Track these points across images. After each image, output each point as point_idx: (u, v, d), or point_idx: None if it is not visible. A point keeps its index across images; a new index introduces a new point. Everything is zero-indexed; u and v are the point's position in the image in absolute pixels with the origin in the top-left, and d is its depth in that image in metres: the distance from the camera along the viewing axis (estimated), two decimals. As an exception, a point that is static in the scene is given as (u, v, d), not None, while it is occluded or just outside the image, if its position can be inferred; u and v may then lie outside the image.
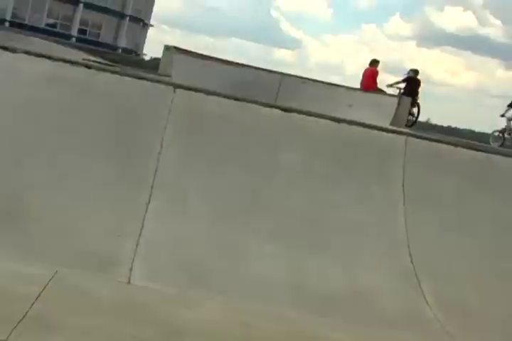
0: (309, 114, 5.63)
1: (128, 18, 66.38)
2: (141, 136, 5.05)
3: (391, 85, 18.65)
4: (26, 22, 58.10)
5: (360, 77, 18.64)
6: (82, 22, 63.28)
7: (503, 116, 18.19)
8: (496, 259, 5.26)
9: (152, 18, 71.99)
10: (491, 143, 17.99)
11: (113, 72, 5.33)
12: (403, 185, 5.36)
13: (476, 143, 13.50)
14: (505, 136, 18.10)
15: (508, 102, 18.36)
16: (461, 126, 21.32)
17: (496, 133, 18.50)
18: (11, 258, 3.93)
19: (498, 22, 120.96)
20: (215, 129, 5.26)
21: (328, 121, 5.58)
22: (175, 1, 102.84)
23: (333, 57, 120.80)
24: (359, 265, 4.91)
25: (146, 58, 58.74)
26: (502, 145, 17.47)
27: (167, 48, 12.56)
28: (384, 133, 5.61)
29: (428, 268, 4.96)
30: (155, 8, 72.33)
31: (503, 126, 18.48)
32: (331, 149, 5.48)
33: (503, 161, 5.85)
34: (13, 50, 4.96)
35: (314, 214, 5.18)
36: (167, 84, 5.37)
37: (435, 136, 11.53)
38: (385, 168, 5.49)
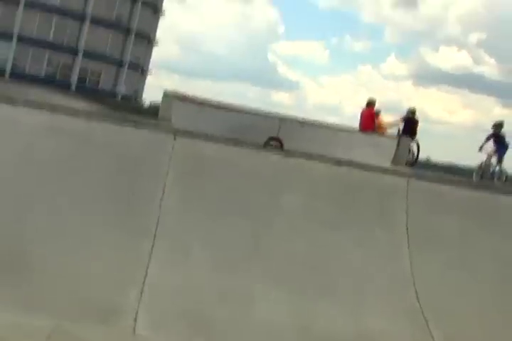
0: (309, 156, 5.65)
1: (127, 65, 67.26)
2: (142, 183, 5.05)
3: (390, 125, 18.82)
4: (26, 72, 58.85)
5: (358, 117, 18.80)
6: (82, 70, 64.16)
7: (480, 149, 18.51)
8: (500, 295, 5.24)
9: (151, 64, 72.93)
10: (474, 177, 18.31)
11: (112, 121, 5.36)
12: (407, 227, 5.35)
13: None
14: (485, 168, 18.55)
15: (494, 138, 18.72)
16: (461, 162, 21.51)
17: (477, 168, 18.96)
18: (12, 309, 3.89)
19: (492, 60, 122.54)
20: (216, 174, 5.28)
21: (328, 163, 5.60)
22: (173, 47, 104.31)
23: (331, 98, 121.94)
24: (365, 307, 4.87)
25: (146, 104, 59.30)
26: (481, 178, 17.81)
27: (166, 95, 12.69)
28: (385, 175, 5.62)
29: (435, 307, 4.92)
30: (153, 55, 73.31)
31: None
32: (331, 192, 5.48)
33: (504, 199, 5.86)
34: (13, 102, 5.01)
35: (317, 257, 5.15)
36: (167, 131, 5.41)
37: (436, 174, 11.56)
38: (388, 209, 5.48)
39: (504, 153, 18.80)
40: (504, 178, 18.40)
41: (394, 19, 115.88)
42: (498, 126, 18.86)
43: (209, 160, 5.31)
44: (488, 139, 18.64)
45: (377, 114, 18.51)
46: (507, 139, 18.72)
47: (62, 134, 5.03)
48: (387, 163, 10.58)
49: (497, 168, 18.66)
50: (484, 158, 18.71)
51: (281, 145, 7.68)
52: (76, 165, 4.98)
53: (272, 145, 7.57)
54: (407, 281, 5.08)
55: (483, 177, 18.09)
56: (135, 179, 5.05)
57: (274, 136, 7.60)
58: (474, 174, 18.82)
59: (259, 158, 5.48)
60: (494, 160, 18.65)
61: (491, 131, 18.73)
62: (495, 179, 18.28)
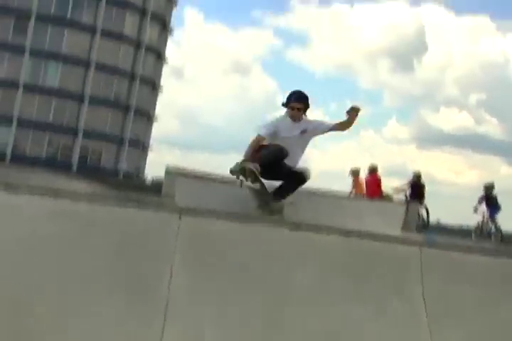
0: (318, 229, 5.61)
1: (127, 143, 68.12)
2: (149, 265, 4.99)
3: (396, 190, 18.88)
4: (27, 155, 59.62)
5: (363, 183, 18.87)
6: (82, 150, 64.99)
7: (475, 211, 19.02)
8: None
9: (151, 139, 73.88)
10: (473, 238, 18.71)
11: (115, 203, 5.35)
12: (423, 298, 5.25)
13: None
14: (482, 229, 19.15)
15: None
16: (471, 223, 21.71)
17: (474, 228, 19.57)
18: None
19: (494, 120, 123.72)
20: (225, 252, 5.22)
21: (338, 235, 5.55)
22: (172, 122, 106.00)
23: (334, 165, 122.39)
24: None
25: (148, 180, 59.65)
26: (479, 238, 18.26)
27: (168, 171, 12.71)
28: (397, 244, 5.56)
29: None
30: (154, 130, 74.38)
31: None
32: (344, 264, 5.41)
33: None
34: (14, 189, 5.01)
35: (333, 332, 5.04)
36: (172, 210, 5.39)
37: (449, 240, 11.45)
38: (402, 280, 5.39)
39: (497, 213, 19.36)
40: (500, 237, 18.85)
41: (392, 84, 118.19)
42: (489, 188, 19.46)
43: (217, 237, 5.26)
44: (480, 201, 19.26)
45: (356, 173, 18.63)
46: (499, 200, 19.36)
47: (64, 218, 5.01)
48: (397, 230, 10.49)
49: (492, 228, 19.22)
50: (480, 219, 19.32)
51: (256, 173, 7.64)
52: (80, 250, 4.93)
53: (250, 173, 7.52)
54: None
55: (481, 237, 18.54)
56: (141, 261, 4.99)
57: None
58: (473, 234, 19.19)
59: (269, 233, 5.44)
60: (489, 220, 19.24)
61: (482, 193, 19.32)
62: (492, 238, 18.77)
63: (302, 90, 8.00)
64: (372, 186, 18.35)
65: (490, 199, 19.49)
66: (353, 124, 8.14)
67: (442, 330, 5.13)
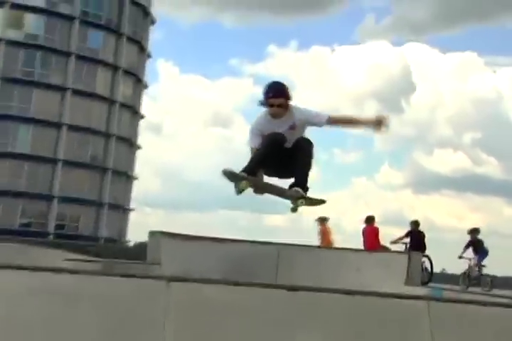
0: (317, 289, 5.57)
1: (107, 206, 67.89)
2: (139, 338, 4.92)
3: (395, 242, 18.96)
4: (-1, 225, 59.06)
5: (360, 233, 18.90)
6: (59, 217, 64.59)
7: (460, 257, 19.52)
8: None
9: (132, 201, 73.73)
10: (460, 284, 19.13)
11: (97, 273, 5.32)
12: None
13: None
14: (470, 275, 19.65)
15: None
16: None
17: (461, 275, 20.11)
18: None
19: (492, 159, 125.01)
20: (219, 319, 5.16)
21: (340, 294, 5.51)
22: (153, 181, 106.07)
23: (329, 215, 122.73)
24: None
25: (131, 244, 59.31)
26: (467, 286, 18.66)
27: (152, 234, 12.66)
28: (403, 300, 5.53)
29: None
30: (134, 191, 74.31)
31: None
32: (348, 325, 5.36)
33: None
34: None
35: None
36: (159, 278, 5.35)
37: (457, 292, 11.39)
38: (412, 338, 5.34)
39: (484, 258, 19.80)
40: (489, 283, 19.21)
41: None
42: (474, 232, 19.82)
43: (209, 304, 5.21)
44: (467, 246, 19.77)
45: (323, 220, 18.60)
46: (486, 245, 19.85)
47: (44, 293, 4.97)
48: (401, 284, 10.44)
49: (479, 274, 19.69)
50: (467, 265, 19.83)
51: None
52: (63, 327, 4.87)
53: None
54: None
55: (470, 284, 18.95)
56: (130, 335, 4.93)
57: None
58: (460, 281, 19.51)
59: (265, 297, 5.39)
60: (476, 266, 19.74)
61: (468, 238, 19.81)
62: (481, 284, 19.21)
63: (278, 80, 7.28)
64: (370, 237, 18.38)
65: (476, 244, 19.91)
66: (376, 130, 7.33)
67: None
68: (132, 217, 72.77)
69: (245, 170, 7.09)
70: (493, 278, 20.51)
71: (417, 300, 5.63)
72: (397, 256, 16.50)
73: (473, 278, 19.97)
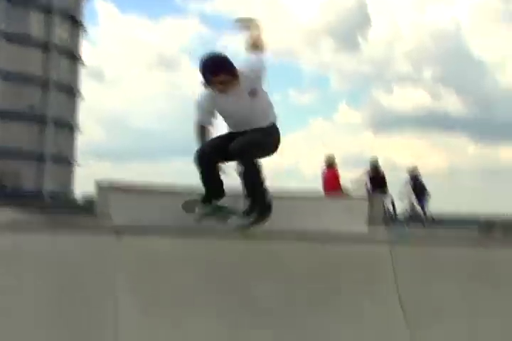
0: (276, 237, 5.65)
1: (49, 160, 67.11)
2: (90, 296, 4.96)
3: (354, 182, 19.09)
4: None
5: (319, 177, 18.94)
6: (-2, 173, 63.49)
7: (401, 198, 19.96)
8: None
9: (77, 153, 72.94)
10: (404, 224, 19.64)
11: (44, 230, 5.31)
12: (399, 299, 5.36)
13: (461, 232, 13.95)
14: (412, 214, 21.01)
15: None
16: (444, 210, 22.34)
17: (404, 215, 20.60)
18: None
19: (453, 95, 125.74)
20: (172, 272, 5.22)
21: (301, 242, 5.60)
22: (98, 131, 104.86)
23: (286, 160, 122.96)
24: None
25: (79, 198, 58.94)
26: (408, 223, 19.13)
27: (99, 187, 12.47)
28: (365, 245, 5.65)
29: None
30: (78, 143, 73.48)
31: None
32: (309, 272, 5.47)
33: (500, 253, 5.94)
34: None
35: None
36: (109, 231, 5.36)
37: (420, 234, 11.63)
38: (375, 282, 5.49)
39: (424, 197, 20.23)
40: (428, 218, 19.78)
41: (337, 65, 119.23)
42: (413, 171, 20.25)
43: (161, 257, 5.26)
44: (406, 185, 20.18)
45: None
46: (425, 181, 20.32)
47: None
48: (363, 227, 10.61)
49: (420, 211, 20.16)
50: (408, 204, 20.30)
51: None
52: (6, 288, 4.86)
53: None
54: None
55: (412, 222, 19.37)
56: (80, 293, 4.96)
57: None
58: (403, 221, 20.00)
59: (220, 246, 5.45)
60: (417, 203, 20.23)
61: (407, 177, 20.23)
62: (423, 222, 19.63)
63: (212, 54, 6.49)
64: (330, 180, 18.46)
65: (416, 184, 20.43)
66: (258, 40, 6.81)
67: (422, 330, 5.26)
68: (78, 169, 72.20)
69: (204, 200, 6.81)
70: (434, 217, 20.94)
71: (380, 244, 5.77)
72: (358, 200, 16.76)
73: (415, 217, 20.55)
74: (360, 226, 9.73)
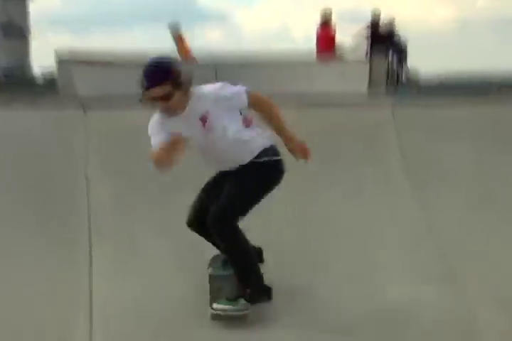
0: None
1: (0, 31, 65.84)
2: (59, 174, 5.06)
3: (355, 38, 18.82)
4: None
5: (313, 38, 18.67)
6: None
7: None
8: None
9: (33, 25, 71.45)
10: (384, 88, 19.40)
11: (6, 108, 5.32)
12: (404, 163, 5.48)
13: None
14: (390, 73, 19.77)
15: None
16: (452, 67, 21.83)
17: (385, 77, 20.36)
18: None
19: None
20: (139, 142, 5.25)
21: (298, 108, 5.63)
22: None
23: (273, 23, 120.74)
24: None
25: (38, 73, 58.37)
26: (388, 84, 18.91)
27: (60, 59, 12.27)
28: (365, 109, 5.68)
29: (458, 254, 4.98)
30: (31, 11, 71.82)
31: None
32: (310, 137, 5.51)
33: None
34: None
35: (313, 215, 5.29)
36: (74, 106, 5.38)
37: (425, 94, 11.61)
38: (378, 146, 5.65)
39: (401, 51, 19.68)
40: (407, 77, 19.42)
41: None
42: (389, 24, 19.45)
43: (129, 130, 5.32)
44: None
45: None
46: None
47: None
48: (363, 89, 10.68)
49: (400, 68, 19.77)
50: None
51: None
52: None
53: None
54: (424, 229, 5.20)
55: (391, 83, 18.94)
56: (49, 171, 5.05)
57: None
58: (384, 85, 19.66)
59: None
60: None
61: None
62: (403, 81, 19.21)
63: (154, 59, 4.53)
64: (324, 40, 18.13)
65: (393, 41, 19.86)
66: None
67: (429, 199, 5.40)
68: (34, 43, 71.08)
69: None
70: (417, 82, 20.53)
71: (381, 107, 5.80)
72: (357, 64, 16.68)
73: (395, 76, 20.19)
74: (361, 87, 9.74)
